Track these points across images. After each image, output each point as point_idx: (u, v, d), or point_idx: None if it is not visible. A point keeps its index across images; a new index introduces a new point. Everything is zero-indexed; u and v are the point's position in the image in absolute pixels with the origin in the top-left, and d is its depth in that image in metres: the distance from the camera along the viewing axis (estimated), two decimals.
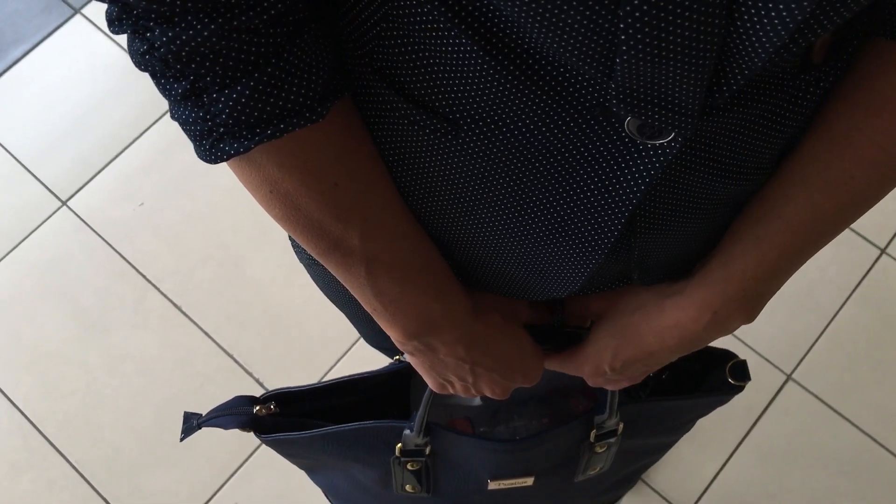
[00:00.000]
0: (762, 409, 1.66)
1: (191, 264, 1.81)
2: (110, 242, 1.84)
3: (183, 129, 0.51)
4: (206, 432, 1.65)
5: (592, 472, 0.93)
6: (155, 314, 1.78)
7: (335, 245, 0.58)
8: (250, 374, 1.71)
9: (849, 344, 1.71)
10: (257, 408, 0.83)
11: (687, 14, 0.38)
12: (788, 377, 1.68)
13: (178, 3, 0.44)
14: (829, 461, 1.62)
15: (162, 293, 1.79)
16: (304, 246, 0.59)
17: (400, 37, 0.49)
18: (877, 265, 1.77)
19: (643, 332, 0.68)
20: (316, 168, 0.54)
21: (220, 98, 0.48)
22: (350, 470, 0.92)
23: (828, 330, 1.72)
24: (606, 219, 0.56)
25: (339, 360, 1.70)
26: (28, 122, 1.99)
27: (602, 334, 0.71)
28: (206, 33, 0.45)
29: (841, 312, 1.73)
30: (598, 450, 0.87)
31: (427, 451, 0.84)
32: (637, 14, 0.38)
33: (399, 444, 0.83)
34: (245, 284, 1.79)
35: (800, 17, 0.37)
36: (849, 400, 1.67)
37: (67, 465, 1.65)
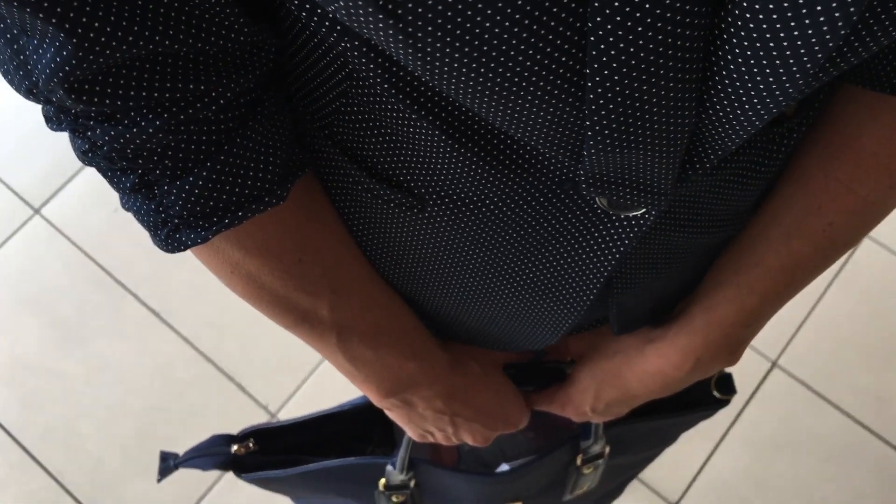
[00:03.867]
0: (748, 396, 1.66)
1: (168, 270, 1.78)
2: (85, 250, 1.82)
3: (136, 218, 0.47)
4: (188, 439, 1.63)
5: (580, 492, 0.91)
6: (133, 321, 1.75)
7: (303, 317, 0.56)
8: (231, 380, 1.69)
9: (833, 329, 1.71)
10: (235, 447, 0.80)
11: (655, 109, 0.36)
12: (774, 364, 1.68)
13: (119, 103, 0.40)
14: (815, 447, 1.62)
15: (140, 300, 1.77)
16: (271, 319, 0.56)
17: (359, 113, 0.46)
18: (859, 249, 1.77)
19: (625, 377, 0.67)
20: (278, 247, 0.51)
21: (171, 189, 0.44)
22: (334, 501, 0.90)
23: (812, 315, 1.72)
24: (581, 286, 0.55)
25: (321, 362, 1.68)
26: None
27: (583, 376, 0.71)
28: (151, 130, 0.41)
29: (825, 297, 1.73)
30: (586, 471, 0.86)
31: (412, 484, 0.82)
32: (603, 112, 0.36)
33: (383, 480, 0.81)
34: (223, 287, 1.76)
35: (784, 103, 0.35)
36: (834, 385, 1.67)
37: (49, 477, 1.63)
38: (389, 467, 0.80)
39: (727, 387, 0.85)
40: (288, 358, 1.70)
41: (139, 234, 1.79)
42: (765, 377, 1.67)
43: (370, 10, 0.31)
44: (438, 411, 0.66)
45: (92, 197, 1.87)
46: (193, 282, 1.77)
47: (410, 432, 0.71)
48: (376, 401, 0.64)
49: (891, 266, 1.76)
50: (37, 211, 1.86)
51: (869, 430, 1.63)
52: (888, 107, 0.50)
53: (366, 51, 0.40)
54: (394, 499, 0.83)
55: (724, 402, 0.85)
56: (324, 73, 0.46)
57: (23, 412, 1.69)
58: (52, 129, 0.45)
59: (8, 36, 0.39)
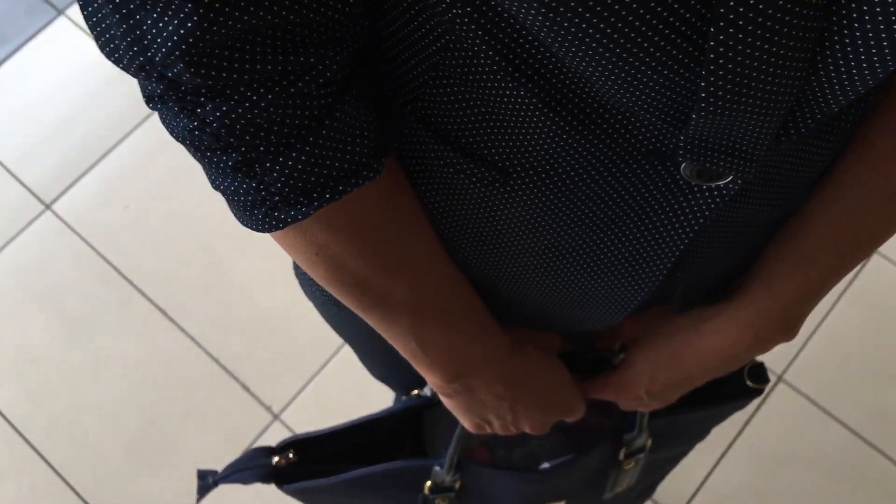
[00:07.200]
0: (753, 410, 1.65)
1: (176, 267, 1.79)
2: (94, 246, 1.82)
3: (228, 198, 0.48)
4: (189, 436, 1.63)
5: (619, 489, 0.92)
6: (140, 318, 1.76)
7: (381, 299, 0.55)
8: (236, 379, 1.69)
9: (840, 344, 1.70)
10: (276, 459, 0.80)
11: (770, 70, 0.37)
12: (780, 378, 1.67)
13: (235, 76, 0.41)
14: (819, 462, 1.62)
15: (147, 297, 1.77)
16: (344, 302, 0.56)
17: (449, 85, 0.47)
18: (868, 265, 1.77)
19: (682, 357, 0.67)
20: (366, 227, 0.51)
21: (274, 167, 0.45)
22: None
23: (819, 330, 1.71)
24: (657, 259, 0.55)
25: (325, 364, 1.68)
26: (11, 125, 1.97)
27: (639, 359, 0.70)
28: (262, 104, 0.43)
29: (833, 312, 1.73)
30: (626, 467, 0.86)
31: (457, 486, 0.82)
32: (720, 72, 0.37)
33: (428, 483, 0.81)
34: (230, 287, 1.77)
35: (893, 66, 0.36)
36: (840, 401, 1.66)
37: (51, 471, 1.63)
38: (437, 468, 0.80)
39: (760, 376, 0.84)
40: (293, 359, 1.70)
41: (148, 232, 1.80)
42: (770, 391, 1.67)
43: None
44: (499, 396, 0.65)
45: (103, 194, 1.87)
46: (200, 280, 1.78)
47: (467, 422, 0.70)
48: (439, 386, 0.64)
49: None
50: (48, 206, 1.87)
51: (873, 446, 1.62)
52: None
53: (476, 17, 0.41)
54: (437, 502, 0.83)
55: (757, 392, 0.85)
56: (416, 45, 0.46)
57: (28, 405, 1.69)
58: (152, 108, 0.45)
59: (124, 11, 0.40)
